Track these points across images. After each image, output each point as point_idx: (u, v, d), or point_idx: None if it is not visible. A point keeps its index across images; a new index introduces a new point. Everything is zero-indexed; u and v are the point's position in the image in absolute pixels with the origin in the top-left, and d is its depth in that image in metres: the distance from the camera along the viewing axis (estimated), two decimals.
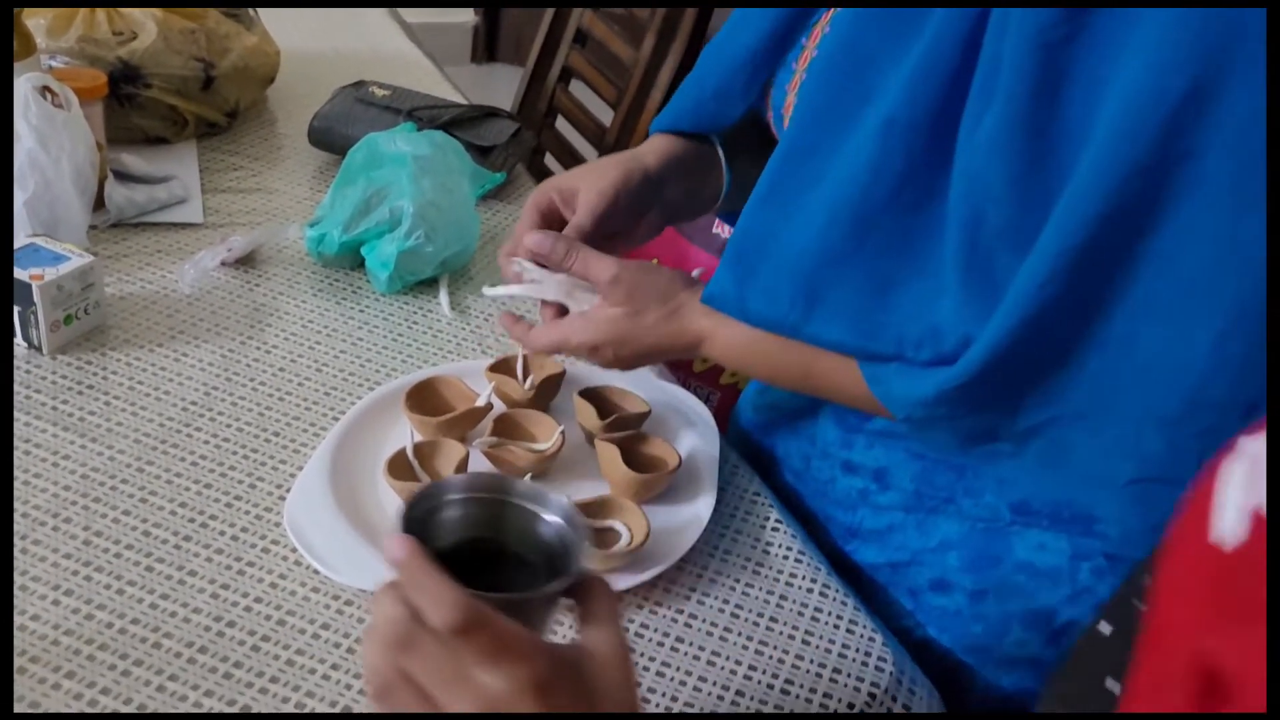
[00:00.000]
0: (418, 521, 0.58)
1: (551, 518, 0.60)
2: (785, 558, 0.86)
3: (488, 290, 0.91)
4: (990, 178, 0.65)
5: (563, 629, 0.74)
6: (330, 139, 1.30)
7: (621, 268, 0.81)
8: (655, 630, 0.78)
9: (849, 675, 0.77)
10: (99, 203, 1.13)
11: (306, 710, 0.69)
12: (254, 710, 0.68)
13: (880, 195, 0.70)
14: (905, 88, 0.68)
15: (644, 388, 0.97)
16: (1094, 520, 0.78)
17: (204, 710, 0.68)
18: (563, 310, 0.87)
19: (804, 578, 0.85)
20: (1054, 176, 0.64)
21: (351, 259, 1.12)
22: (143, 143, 1.28)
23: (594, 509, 0.83)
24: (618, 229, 0.90)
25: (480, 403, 0.90)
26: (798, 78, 0.81)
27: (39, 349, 0.95)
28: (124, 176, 1.19)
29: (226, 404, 0.93)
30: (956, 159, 0.67)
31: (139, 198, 1.16)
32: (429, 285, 1.12)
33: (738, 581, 0.84)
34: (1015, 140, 0.64)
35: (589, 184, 0.88)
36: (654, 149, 0.92)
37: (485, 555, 0.60)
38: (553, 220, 0.90)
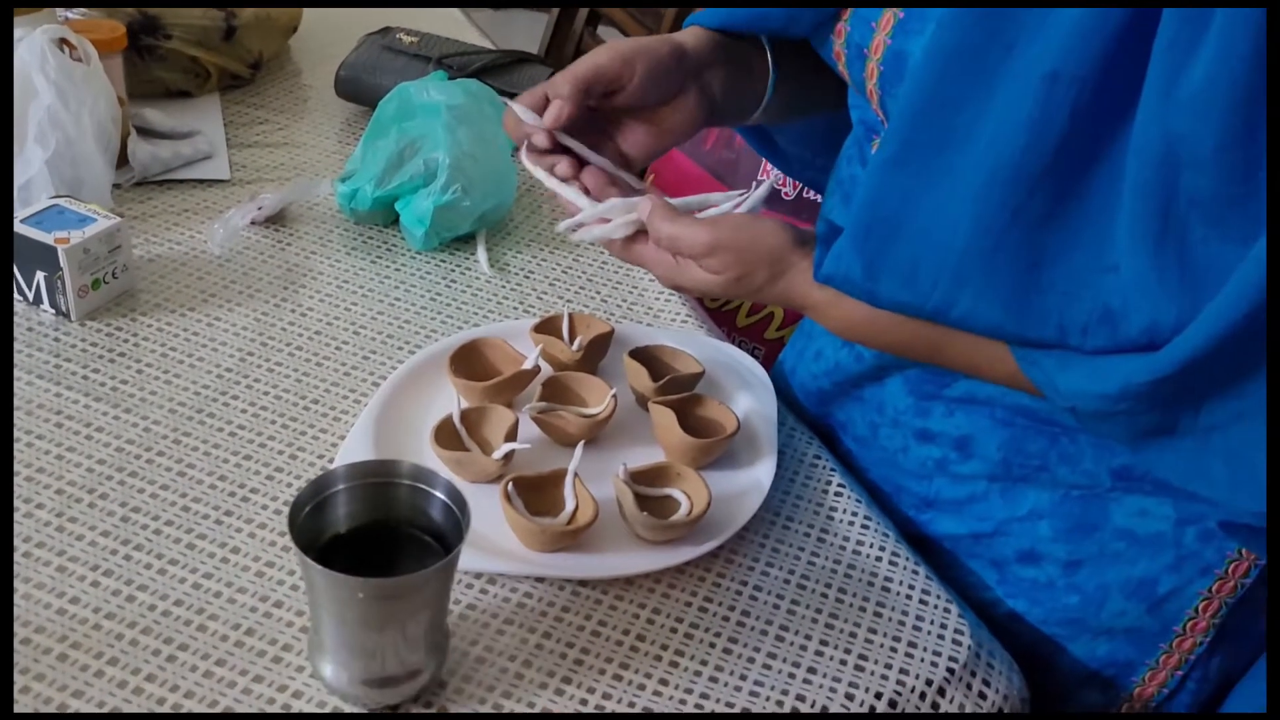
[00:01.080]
0: (309, 513, 0.62)
1: (438, 495, 0.65)
2: (851, 524, 0.82)
3: (568, 232, 0.79)
4: (1197, 141, 0.57)
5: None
6: (358, 89, 1.25)
7: (718, 234, 0.71)
8: (720, 604, 0.74)
9: (924, 649, 0.73)
10: (122, 160, 1.09)
11: None
12: (306, 694, 0.65)
13: (1043, 157, 0.61)
14: (1070, 37, 0.59)
15: (695, 346, 0.93)
16: None
17: (253, 694, 0.65)
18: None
19: (872, 545, 0.81)
20: (1265, 152, 0.56)
21: (385, 215, 1.07)
22: (164, 96, 1.24)
23: (651, 476, 0.79)
24: (642, 101, 0.79)
25: (528, 365, 0.86)
26: (879, 39, 0.74)
27: (67, 315, 0.92)
28: (147, 132, 1.15)
29: (263, 370, 0.89)
30: (1142, 118, 0.59)
31: (164, 154, 1.12)
32: (466, 242, 1.08)
33: (802, 550, 0.80)
34: (1235, 101, 0.55)
35: (607, 47, 0.78)
36: (691, 33, 0.83)
37: (380, 537, 0.65)
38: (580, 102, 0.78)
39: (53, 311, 0.92)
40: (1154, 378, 0.60)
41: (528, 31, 1.85)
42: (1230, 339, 0.57)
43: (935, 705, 0.71)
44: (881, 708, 0.70)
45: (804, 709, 0.68)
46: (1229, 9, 0.55)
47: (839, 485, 0.85)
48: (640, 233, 0.75)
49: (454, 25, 1.51)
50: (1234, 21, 0.55)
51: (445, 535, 0.65)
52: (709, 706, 0.68)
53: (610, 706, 0.67)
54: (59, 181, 1.00)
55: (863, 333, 0.73)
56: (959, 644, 0.74)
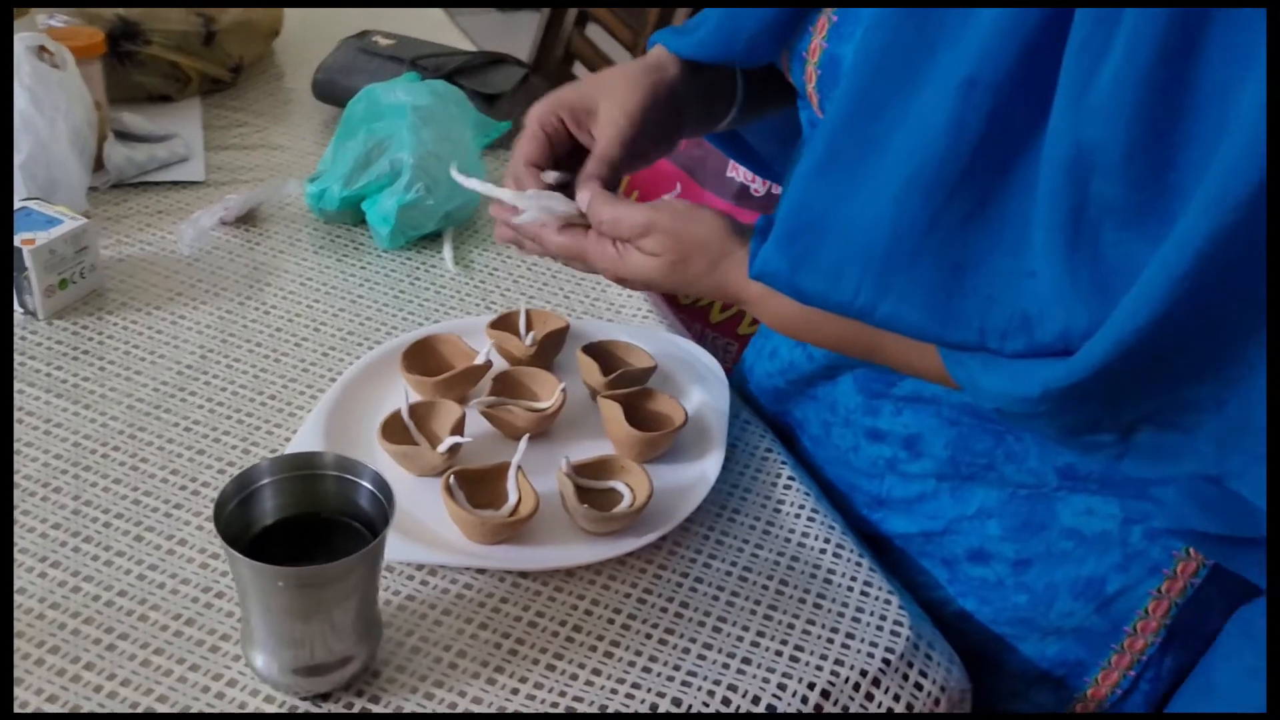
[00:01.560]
0: (236, 507, 0.64)
1: (364, 484, 0.66)
2: (798, 517, 0.83)
3: (460, 178, 0.81)
4: (1105, 146, 0.56)
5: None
6: (333, 92, 1.27)
7: (656, 215, 0.72)
8: (659, 596, 0.75)
9: (862, 640, 0.74)
10: (99, 164, 1.11)
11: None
12: (240, 683, 0.66)
13: (959, 161, 0.61)
14: (988, 40, 0.59)
15: (651, 341, 0.94)
16: (1148, 483, 0.74)
17: (188, 683, 0.66)
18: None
19: (817, 538, 0.81)
20: (1179, 150, 0.55)
21: (353, 214, 1.09)
22: (145, 101, 1.26)
23: (595, 469, 0.80)
24: (639, 153, 0.80)
25: (479, 360, 0.87)
26: (816, 43, 0.74)
27: (34, 315, 0.94)
28: (125, 136, 1.17)
29: (222, 366, 0.91)
30: (1054, 124, 0.59)
31: (139, 157, 1.14)
32: (433, 240, 1.09)
33: (746, 543, 0.80)
34: (1141, 104, 0.55)
35: (612, 103, 0.78)
36: (673, 63, 0.82)
37: (309, 528, 0.67)
38: (559, 143, 0.79)
39: (21, 311, 0.94)
40: (1069, 382, 0.59)
41: (528, 35, 1.86)
42: (1143, 341, 0.56)
43: (869, 696, 0.71)
44: (814, 699, 0.70)
45: (735, 699, 0.69)
46: (1138, 9, 0.54)
47: (789, 479, 0.86)
48: (581, 225, 0.76)
49: (437, 28, 1.52)
50: (1141, 22, 0.54)
51: (374, 523, 0.66)
52: (639, 697, 0.68)
53: (540, 697, 0.68)
54: (33, 185, 1.02)
55: (797, 328, 0.74)
56: (897, 635, 0.74)
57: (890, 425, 0.82)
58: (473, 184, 0.80)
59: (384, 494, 0.65)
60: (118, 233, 1.06)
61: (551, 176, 0.78)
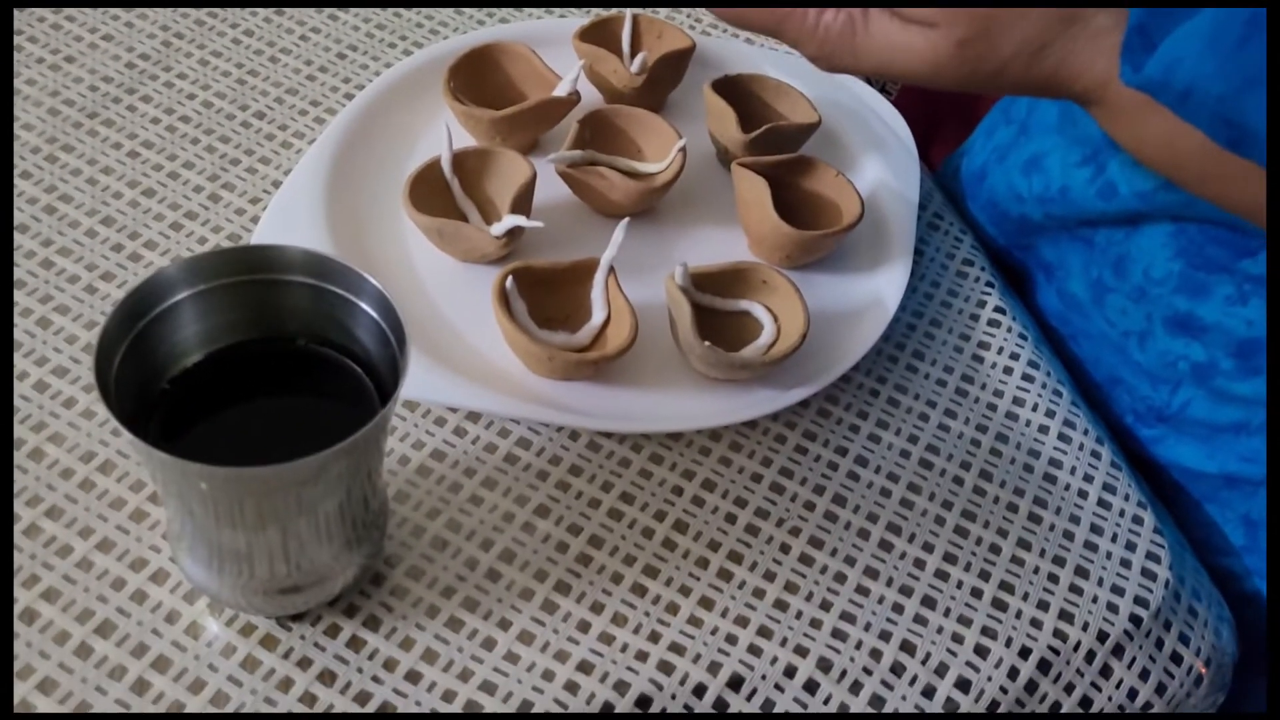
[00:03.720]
0: (134, 337, 0.38)
1: (361, 305, 0.40)
2: (1009, 371, 0.56)
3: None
4: None
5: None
6: None
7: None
8: (801, 483, 0.50)
9: (1103, 586, 0.49)
10: None
11: None
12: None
13: None
14: None
15: (812, 82, 0.64)
16: None
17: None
18: None
19: (1036, 406, 0.55)
20: None
21: None
22: None
23: (723, 282, 0.53)
24: None
25: (561, 90, 0.59)
26: None
27: None
28: None
29: (192, 62, 0.63)
30: None
31: None
32: None
33: (932, 406, 0.54)
34: None
35: None
36: None
37: (265, 360, 0.41)
38: None
39: None
40: None
41: None
42: None
43: (1106, 670, 0.48)
44: (1027, 672, 0.46)
45: (910, 665, 0.46)
46: None
47: (996, 307, 0.59)
48: None
49: None
50: None
51: (374, 363, 0.41)
52: (768, 650, 0.45)
53: (620, 639, 0.45)
54: None
55: (1178, 150, 0.43)
56: (1151, 572, 0.50)
57: (1218, 316, 0.54)
58: None
59: (394, 330, 0.39)
60: None
61: None
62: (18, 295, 0.51)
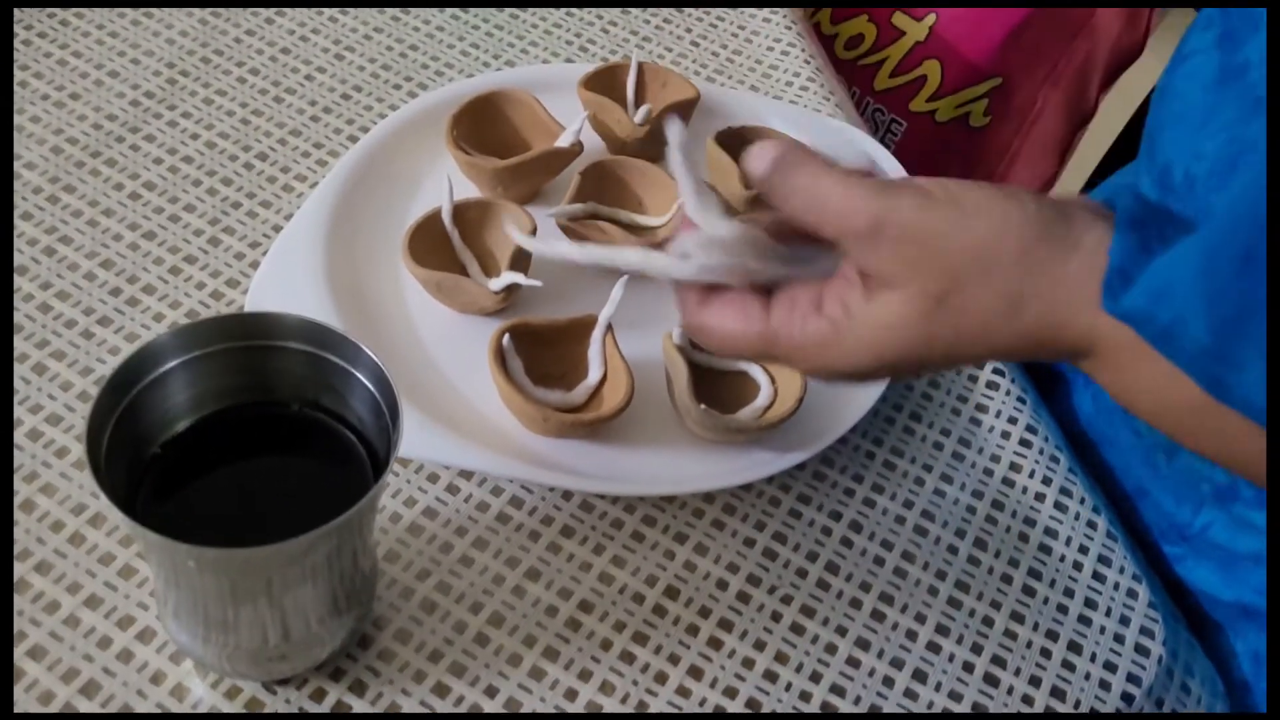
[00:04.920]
0: (126, 406, 0.37)
1: (357, 374, 0.40)
2: (1006, 435, 0.56)
3: (521, 239, 0.46)
4: None
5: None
6: None
7: (887, 201, 0.36)
8: (794, 548, 0.50)
9: (1091, 651, 0.49)
10: None
11: None
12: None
13: None
14: None
15: (816, 130, 0.64)
16: None
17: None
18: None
19: (1034, 472, 0.55)
20: None
21: None
22: None
23: None
24: None
25: (565, 141, 0.58)
26: None
27: None
28: None
29: (197, 101, 0.63)
30: None
31: None
32: None
33: (928, 471, 0.54)
34: None
35: None
36: None
37: (253, 425, 0.41)
38: None
39: None
40: None
41: None
42: None
43: None
44: None
45: None
46: None
47: (994, 371, 0.59)
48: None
49: None
50: None
51: (367, 432, 0.40)
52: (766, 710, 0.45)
53: (607, 706, 0.44)
54: None
55: (1175, 410, 0.39)
56: (1144, 648, 0.49)
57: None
58: (543, 249, 0.43)
59: (389, 403, 0.39)
60: None
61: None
62: (14, 339, 0.51)
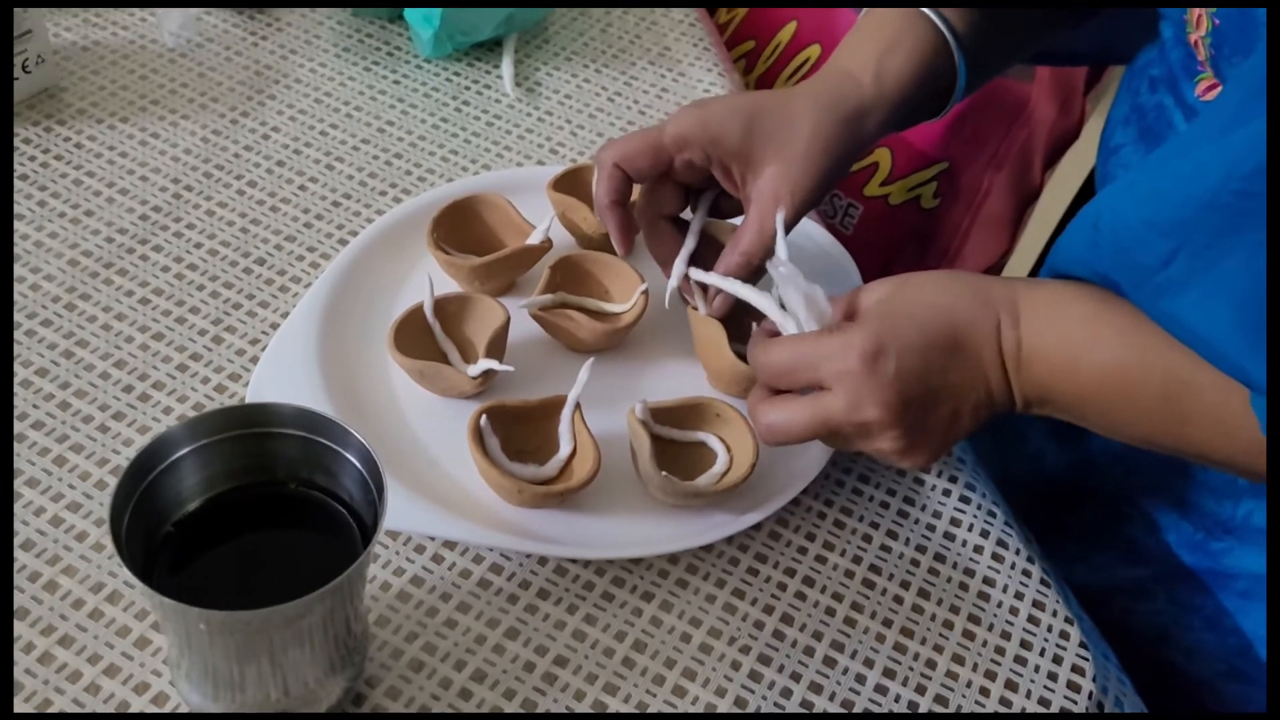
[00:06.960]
0: (142, 491, 0.43)
1: (347, 456, 0.45)
2: (947, 493, 0.61)
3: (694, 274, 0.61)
4: None
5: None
6: None
7: (885, 331, 0.51)
8: (752, 602, 0.55)
9: (1029, 683, 0.53)
10: None
11: None
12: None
13: None
14: None
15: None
16: None
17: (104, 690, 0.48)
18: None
19: (972, 526, 0.59)
20: None
21: (390, 9, 0.84)
22: None
23: (681, 415, 0.58)
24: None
25: (535, 238, 0.64)
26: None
27: None
28: None
29: (200, 213, 0.69)
30: None
31: None
32: (491, 50, 0.84)
33: (875, 528, 0.59)
34: None
35: (786, 171, 0.57)
36: (881, 104, 0.60)
37: (255, 504, 0.46)
38: (691, 179, 0.60)
39: None
40: None
41: None
42: None
43: None
44: None
45: None
46: None
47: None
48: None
49: None
50: None
51: (358, 508, 0.45)
52: None
53: None
54: None
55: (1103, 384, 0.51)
56: (1076, 684, 0.54)
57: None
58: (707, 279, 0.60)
59: (375, 480, 0.44)
60: (80, 13, 0.82)
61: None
62: (37, 435, 0.56)
